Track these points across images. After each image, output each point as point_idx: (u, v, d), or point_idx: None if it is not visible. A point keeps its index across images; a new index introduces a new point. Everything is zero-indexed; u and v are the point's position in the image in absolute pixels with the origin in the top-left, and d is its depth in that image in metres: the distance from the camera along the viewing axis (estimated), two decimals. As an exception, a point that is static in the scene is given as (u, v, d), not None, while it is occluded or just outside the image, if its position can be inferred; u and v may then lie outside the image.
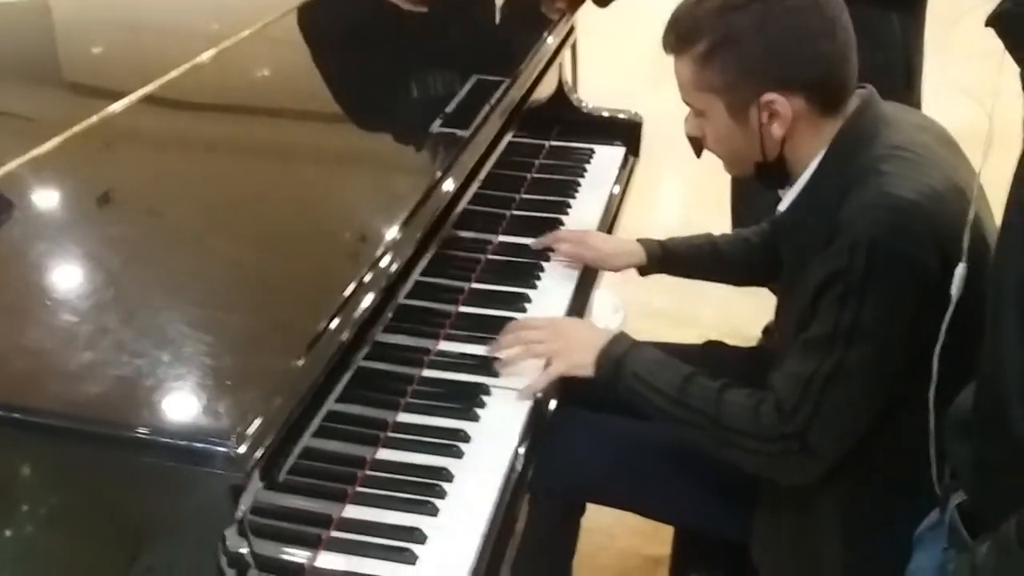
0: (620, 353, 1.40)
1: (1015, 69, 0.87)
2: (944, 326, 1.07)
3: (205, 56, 1.84)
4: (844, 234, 1.20)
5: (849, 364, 1.20)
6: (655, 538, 2.06)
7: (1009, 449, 0.88)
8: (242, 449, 0.94)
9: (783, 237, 1.45)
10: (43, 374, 1.04)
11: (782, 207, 1.39)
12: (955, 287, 1.06)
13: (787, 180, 1.36)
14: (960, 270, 1.06)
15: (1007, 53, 0.87)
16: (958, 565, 0.90)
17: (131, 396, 1.00)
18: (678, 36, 1.30)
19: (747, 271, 1.74)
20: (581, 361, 1.42)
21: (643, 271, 1.75)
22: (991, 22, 0.89)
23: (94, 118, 1.57)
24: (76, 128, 1.53)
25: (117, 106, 1.63)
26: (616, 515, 2.15)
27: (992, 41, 0.92)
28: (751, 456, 1.30)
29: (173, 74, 1.74)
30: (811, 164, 1.31)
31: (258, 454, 0.96)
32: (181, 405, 0.99)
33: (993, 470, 0.93)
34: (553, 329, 1.48)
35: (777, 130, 1.28)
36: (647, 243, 1.73)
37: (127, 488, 1.01)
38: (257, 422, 0.97)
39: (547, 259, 1.76)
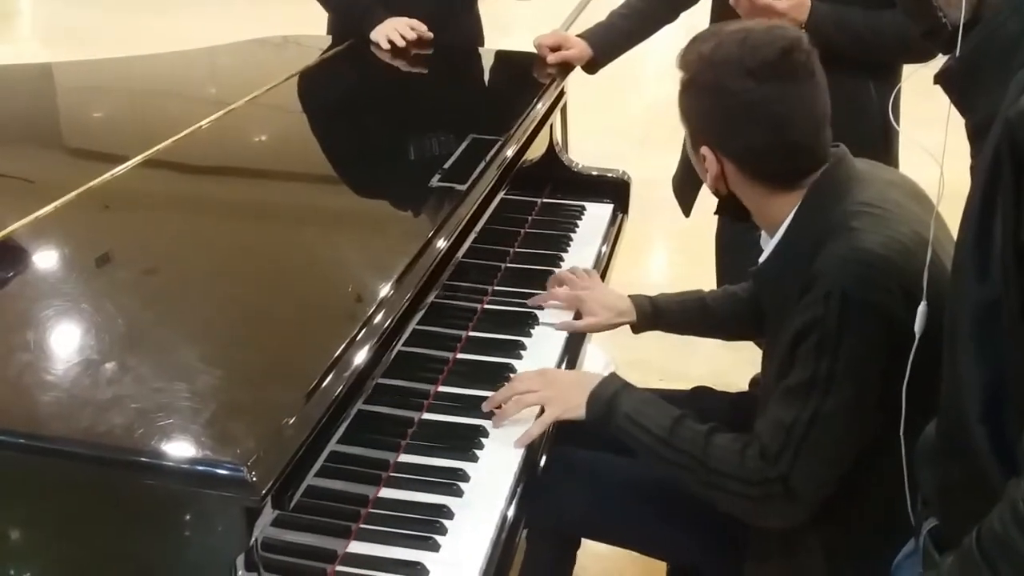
0: (611, 394, 1.46)
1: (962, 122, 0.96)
2: (909, 363, 1.14)
3: (205, 121, 1.92)
4: (818, 285, 1.28)
5: (827, 410, 1.27)
6: (648, 584, 2.09)
7: (971, 468, 0.94)
8: (256, 474, 1.00)
9: (763, 288, 1.53)
10: (69, 407, 1.11)
11: (762, 259, 1.47)
12: (918, 324, 1.13)
13: (743, 215, 1.45)
14: (922, 308, 1.13)
15: (953, 107, 0.96)
16: (927, 579, 0.96)
17: (152, 426, 1.06)
18: (681, 56, 1.40)
19: (736, 326, 1.79)
20: (573, 404, 1.48)
21: (635, 329, 1.81)
22: (938, 79, 0.99)
23: (95, 181, 1.65)
24: (77, 191, 1.60)
25: (120, 169, 1.70)
26: (607, 564, 2.19)
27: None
28: (736, 499, 1.36)
29: (174, 138, 1.82)
30: (786, 219, 1.39)
31: (271, 480, 1.02)
32: (198, 434, 1.05)
33: (958, 490, 1.00)
34: (544, 379, 1.54)
35: (708, 179, 1.41)
36: (638, 302, 1.78)
37: (147, 514, 1.06)
38: (270, 450, 1.04)
39: (541, 308, 1.83)
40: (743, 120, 1.34)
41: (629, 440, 1.44)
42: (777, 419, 1.31)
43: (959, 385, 0.94)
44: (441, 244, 1.52)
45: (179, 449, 1.03)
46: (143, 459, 1.03)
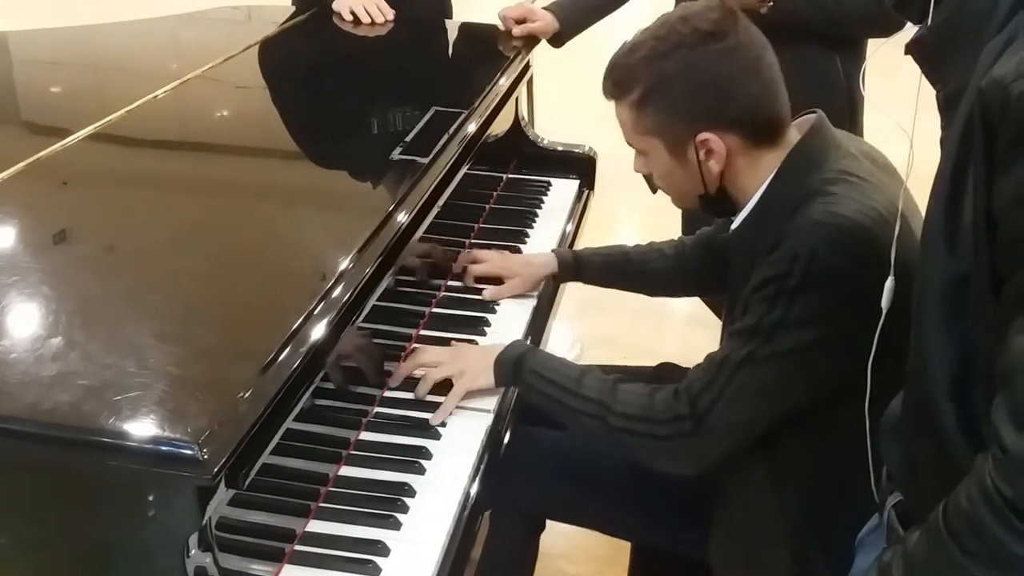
0: (517, 355, 1.46)
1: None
2: (876, 338, 1.12)
3: (162, 91, 1.88)
4: (787, 244, 1.27)
5: (760, 356, 1.27)
6: (613, 563, 2.08)
7: (937, 443, 0.93)
8: (207, 452, 0.97)
9: (733, 254, 1.51)
10: (12, 383, 1.06)
11: (735, 225, 1.45)
12: (885, 299, 1.12)
13: (732, 210, 1.43)
14: (889, 283, 1.12)
15: (922, 84, 0.95)
16: (892, 553, 0.95)
17: (100, 403, 1.02)
18: (615, 83, 1.38)
19: (659, 282, 1.81)
20: (480, 371, 1.47)
21: (556, 279, 1.81)
22: (909, 49, 0.97)
23: (47, 151, 1.60)
24: (28, 160, 1.56)
25: (73, 142, 1.66)
26: (574, 540, 2.19)
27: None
28: (644, 441, 1.34)
29: (130, 107, 1.78)
30: (761, 185, 1.37)
31: (223, 458, 0.99)
32: (149, 411, 1.02)
33: (923, 467, 0.99)
34: (450, 352, 1.53)
35: (714, 166, 1.36)
36: (560, 253, 1.80)
37: (97, 495, 1.03)
38: (223, 428, 1.01)
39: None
40: (731, 79, 1.32)
41: (536, 396, 1.43)
42: (710, 356, 1.32)
43: (926, 360, 0.93)
44: (402, 218, 1.49)
45: (128, 426, 1.00)
46: (90, 437, 0.99)
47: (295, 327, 1.19)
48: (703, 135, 1.33)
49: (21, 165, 1.56)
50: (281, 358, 1.14)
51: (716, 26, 1.32)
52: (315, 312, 1.23)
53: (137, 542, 1.04)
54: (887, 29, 2.06)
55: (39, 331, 1.16)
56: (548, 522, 1.68)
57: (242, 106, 2.03)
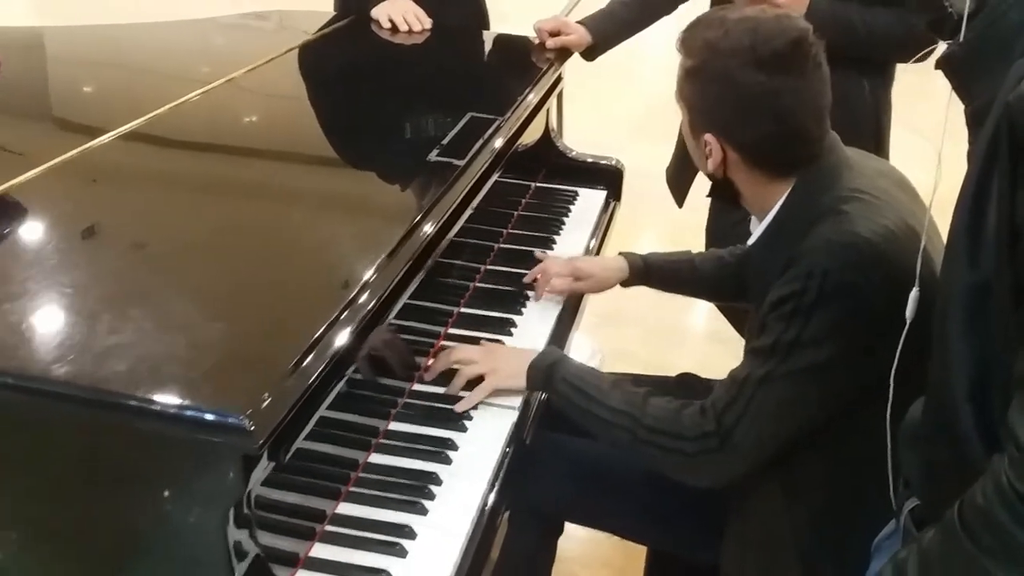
0: (550, 362, 1.50)
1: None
2: (899, 349, 1.15)
3: (197, 93, 1.91)
4: (802, 263, 1.30)
5: (779, 374, 1.30)
6: (627, 570, 2.11)
7: (954, 447, 0.96)
8: (255, 424, 1.02)
9: (750, 271, 1.55)
10: (70, 354, 1.11)
11: (750, 241, 1.49)
12: (909, 310, 1.15)
13: (734, 199, 1.47)
14: (914, 294, 1.15)
15: (954, 94, 0.98)
16: (908, 550, 0.98)
17: (152, 372, 1.07)
18: (682, 41, 1.41)
19: (720, 289, 1.84)
20: (513, 373, 1.51)
21: (625, 283, 1.85)
22: (940, 65, 1.01)
23: (80, 149, 1.64)
24: (63, 157, 1.59)
25: (107, 138, 1.69)
26: (588, 547, 2.22)
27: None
28: (670, 455, 1.38)
29: (164, 108, 1.82)
30: (776, 203, 1.41)
31: (269, 430, 1.03)
32: (198, 382, 1.07)
33: (940, 470, 1.01)
34: (484, 351, 1.57)
35: (710, 165, 1.41)
36: (631, 258, 1.83)
37: (147, 463, 1.08)
38: (268, 401, 1.05)
39: (532, 288, 1.85)
40: (752, 112, 1.34)
41: (565, 404, 1.47)
42: (732, 374, 1.35)
43: (947, 365, 0.96)
44: (437, 219, 1.52)
45: (179, 395, 1.04)
46: (142, 404, 1.04)
47: (335, 315, 1.23)
48: (709, 136, 1.39)
49: (53, 162, 1.58)
50: (321, 343, 1.18)
51: (774, 57, 1.31)
52: (354, 303, 1.27)
53: (182, 509, 1.07)
54: (915, 52, 2.09)
55: (96, 306, 1.20)
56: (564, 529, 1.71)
57: (278, 110, 2.07)
